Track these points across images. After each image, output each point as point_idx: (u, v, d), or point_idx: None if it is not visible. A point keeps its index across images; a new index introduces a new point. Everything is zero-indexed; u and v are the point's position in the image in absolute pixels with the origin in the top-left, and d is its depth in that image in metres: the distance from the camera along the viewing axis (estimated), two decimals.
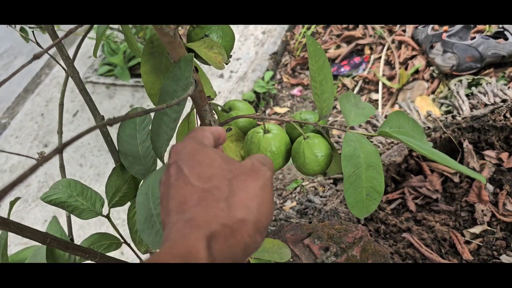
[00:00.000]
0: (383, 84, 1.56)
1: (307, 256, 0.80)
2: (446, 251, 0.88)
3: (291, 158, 0.62)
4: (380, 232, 0.92)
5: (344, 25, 1.83)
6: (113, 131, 0.59)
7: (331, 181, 1.09)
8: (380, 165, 0.56)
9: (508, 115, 0.94)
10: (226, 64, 0.54)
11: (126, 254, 1.29)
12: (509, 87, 1.07)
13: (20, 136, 1.99)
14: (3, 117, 2.15)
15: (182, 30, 1.89)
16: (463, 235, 0.89)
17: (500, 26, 1.44)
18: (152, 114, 0.51)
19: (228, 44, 0.57)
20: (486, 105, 1.00)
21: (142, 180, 0.57)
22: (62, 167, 0.65)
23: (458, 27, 1.43)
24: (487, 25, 1.51)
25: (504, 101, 0.97)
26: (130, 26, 1.71)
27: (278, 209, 1.17)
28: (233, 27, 2.21)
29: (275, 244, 0.74)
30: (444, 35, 1.41)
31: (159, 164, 0.57)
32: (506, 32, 1.39)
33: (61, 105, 0.67)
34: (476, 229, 0.89)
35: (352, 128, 0.59)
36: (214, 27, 0.56)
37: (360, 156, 0.56)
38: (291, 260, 0.80)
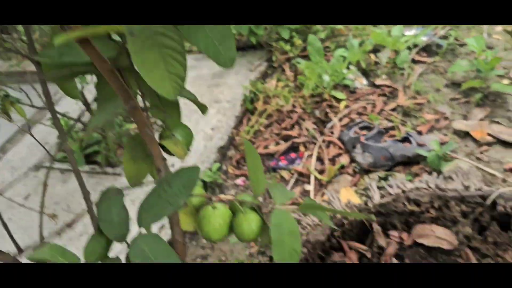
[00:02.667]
0: (315, 177, 1.81)
1: None
2: None
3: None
4: None
5: (283, 125, 2.13)
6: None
7: (268, 258, 1.26)
8: (297, 232, 0.76)
9: (406, 203, 1.19)
10: (185, 155, 0.74)
11: None
12: (410, 181, 1.34)
13: None
14: None
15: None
16: None
17: (406, 132, 1.77)
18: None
19: (188, 142, 0.78)
20: (390, 194, 1.24)
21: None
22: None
23: (373, 132, 1.74)
24: (397, 131, 1.84)
25: (403, 191, 1.23)
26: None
27: None
28: (187, 123, 2.45)
29: None
30: (362, 138, 1.71)
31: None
32: (410, 138, 1.71)
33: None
34: None
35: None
36: (178, 129, 0.77)
37: (284, 226, 0.75)
38: None
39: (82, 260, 0.74)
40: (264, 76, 2.53)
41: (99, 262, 0.74)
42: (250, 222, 0.77)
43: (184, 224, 0.83)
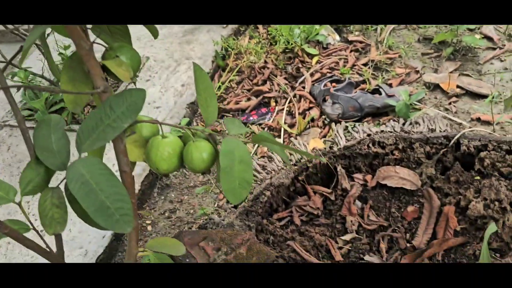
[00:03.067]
0: (285, 130, 1.79)
1: (202, 256, 0.92)
2: (323, 255, 1.05)
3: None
4: (270, 242, 1.07)
5: (254, 81, 2.08)
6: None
7: (232, 204, 1.24)
8: (250, 162, 0.73)
9: (371, 145, 1.17)
10: (132, 80, 0.70)
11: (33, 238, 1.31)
12: (379, 124, 1.33)
13: None
14: None
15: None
16: (337, 242, 1.07)
17: (376, 84, 1.75)
18: None
19: (135, 65, 0.73)
20: (356, 139, 1.23)
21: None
22: None
23: (344, 84, 1.72)
24: (368, 84, 1.82)
25: (368, 135, 1.21)
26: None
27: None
28: (156, 80, 2.41)
29: (173, 243, 0.86)
30: (332, 89, 1.68)
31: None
32: (380, 89, 1.69)
33: None
34: (347, 237, 1.07)
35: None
36: (123, 50, 0.72)
37: (234, 153, 0.72)
38: (187, 260, 0.92)
39: (19, 191, 0.70)
40: (237, 33, 2.47)
41: (38, 193, 0.70)
42: (200, 150, 0.74)
43: (133, 155, 0.80)
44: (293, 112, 1.86)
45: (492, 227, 0.82)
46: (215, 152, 0.76)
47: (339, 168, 1.16)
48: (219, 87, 2.09)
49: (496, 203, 0.97)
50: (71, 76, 0.70)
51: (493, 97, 1.56)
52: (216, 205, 1.59)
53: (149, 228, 1.64)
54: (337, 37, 2.21)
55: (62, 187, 0.71)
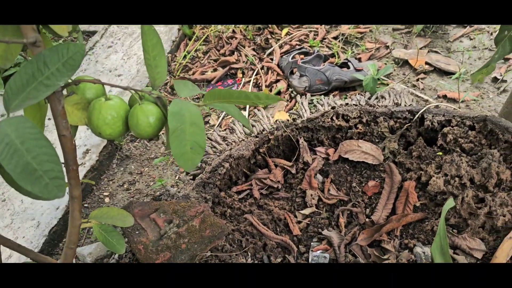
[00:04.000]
0: None
1: (153, 228, 0.88)
2: (281, 229, 1.02)
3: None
4: (227, 215, 1.02)
5: (221, 51, 2.01)
6: None
7: (191, 177, 1.19)
8: (202, 124, 0.67)
9: (334, 118, 1.13)
10: (71, 35, 0.62)
11: None
12: (346, 97, 1.29)
13: None
14: None
15: None
16: (295, 216, 1.04)
17: (345, 58, 1.71)
18: None
19: None
20: (319, 111, 1.19)
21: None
22: None
23: (312, 56, 1.67)
24: (336, 58, 1.78)
25: (333, 108, 1.17)
26: None
27: None
28: (118, 47, 2.30)
29: (120, 213, 0.81)
30: (299, 61, 1.63)
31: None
32: (349, 63, 1.65)
33: None
34: (306, 211, 1.04)
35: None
36: None
37: (184, 114, 0.66)
38: (137, 232, 0.87)
39: None
40: None
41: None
42: (146, 114, 0.68)
43: (74, 118, 0.73)
44: (260, 84, 1.80)
45: (450, 203, 0.80)
46: (163, 117, 0.70)
47: (301, 141, 1.12)
48: (185, 56, 2.01)
49: (457, 179, 0.95)
50: None
51: (460, 75, 1.55)
52: (177, 177, 1.54)
53: (107, 200, 1.58)
54: None
55: None
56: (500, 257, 0.86)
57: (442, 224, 0.76)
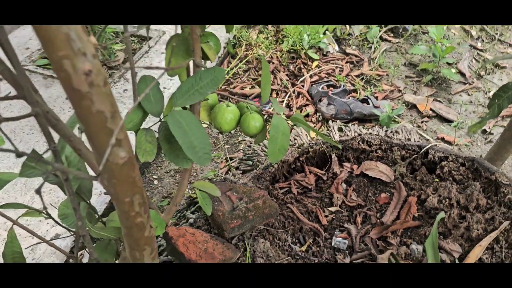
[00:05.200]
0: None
1: (228, 202, 1.20)
2: (313, 219, 1.35)
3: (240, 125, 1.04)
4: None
5: (260, 72, 2.36)
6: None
7: (241, 172, 1.52)
8: (288, 134, 1.01)
9: (360, 142, 1.48)
10: (215, 58, 0.96)
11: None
12: (364, 127, 1.64)
13: None
14: None
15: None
16: (324, 211, 1.37)
17: (365, 95, 2.07)
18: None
19: (217, 49, 1.00)
20: (348, 135, 1.53)
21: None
22: None
23: (340, 89, 2.02)
24: (358, 94, 2.14)
25: (359, 134, 1.52)
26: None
27: None
28: None
29: (212, 186, 1.14)
30: (330, 92, 1.99)
31: None
32: (369, 100, 2.01)
33: None
34: (332, 209, 1.38)
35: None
36: (212, 38, 0.98)
37: (279, 127, 1.00)
38: (216, 203, 1.19)
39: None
40: (248, 26, 2.72)
41: (136, 131, 0.95)
42: (255, 120, 1.02)
43: (201, 116, 1.06)
44: (291, 106, 2.15)
45: (441, 214, 1.15)
46: (263, 123, 1.04)
47: (333, 156, 1.46)
48: (228, 72, 2.35)
49: (447, 200, 1.30)
50: (174, 51, 0.96)
51: (457, 123, 1.91)
52: (216, 172, 1.86)
53: (155, 182, 1.89)
54: (337, 47, 2.52)
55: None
56: (471, 258, 1.20)
57: (435, 228, 1.10)
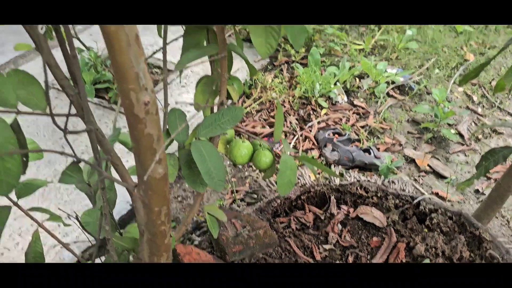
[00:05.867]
0: None
1: (232, 228, 1.32)
2: (307, 254, 1.46)
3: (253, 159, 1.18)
4: None
5: (271, 113, 2.52)
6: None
7: (246, 203, 1.64)
8: (296, 170, 1.14)
9: (358, 188, 1.60)
10: (237, 98, 1.11)
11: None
12: (364, 175, 1.77)
13: None
14: None
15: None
16: (318, 248, 1.48)
17: (368, 145, 2.21)
18: None
19: (240, 91, 1.15)
20: (347, 180, 1.66)
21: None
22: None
23: (345, 137, 2.17)
24: (361, 143, 2.28)
25: (358, 180, 1.64)
26: None
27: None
28: (190, 88, 2.75)
29: (220, 212, 1.26)
30: (335, 139, 2.13)
31: None
32: (371, 150, 2.15)
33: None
34: (327, 246, 1.49)
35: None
36: (236, 81, 1.13)
37: (288, 163, 1.13)
38: (221, 228, 1.31)
39: None
40: (264, 70, 2.91)
41: None
42: (266, 156, 1.15)
43: (220, 148, 1.20)
44: (298, 148, 2.29)
45: (427, 261, 1.26)
46: (273, 160, 1.17)
47: (332, 198, 1.58)
48: None
49: (433, 249, 1.40)
50: (203, 89, 1.11)
51: (450, 179, 2.03)
52: (222, 202, 1.98)
53: None
54: (345, 98, 2.68)
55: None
56: None
57: None
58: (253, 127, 2.44)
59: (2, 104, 0.70)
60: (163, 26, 0.96)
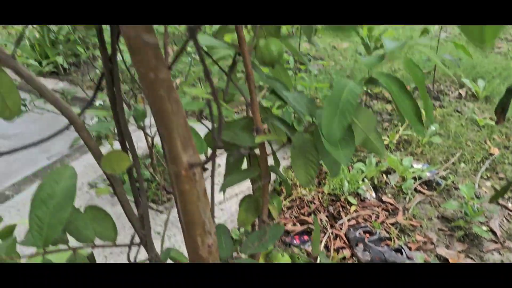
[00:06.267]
0: (320, 259, 2.24)
1: None
2: None
3: None
4: None
5: (302, 211, 2.59)
6: None
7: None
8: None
9: None
10: (277, 216, 1.20)
11: None
12: None
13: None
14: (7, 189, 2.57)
15: None
16: None
17: (399, 245, 2.22)
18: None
19: (279, 208, 1.24)
20: None
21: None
22: None
23: (376, 237, 2.20)
24: (392, 242, 2.29)
25: None
26: None
27: None
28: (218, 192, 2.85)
29: None
30: (366, 239, 2.16)
31: None
32: (403, 250, 2.16)
33: None
34: None
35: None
36: (275, 200, 1.23)
37: None
38: None
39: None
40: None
41: None
42: None
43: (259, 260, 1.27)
44: (329, 247, 2.32)
45: None
46: None
47: None
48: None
49: None
50: (246, 208, 1.21)
51: None
52: None
53: None
54: (373, 194, 2.74)
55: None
56: None
57: None
58: (284, 224, 2.50)
59: (83, 240, 0.81)
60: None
